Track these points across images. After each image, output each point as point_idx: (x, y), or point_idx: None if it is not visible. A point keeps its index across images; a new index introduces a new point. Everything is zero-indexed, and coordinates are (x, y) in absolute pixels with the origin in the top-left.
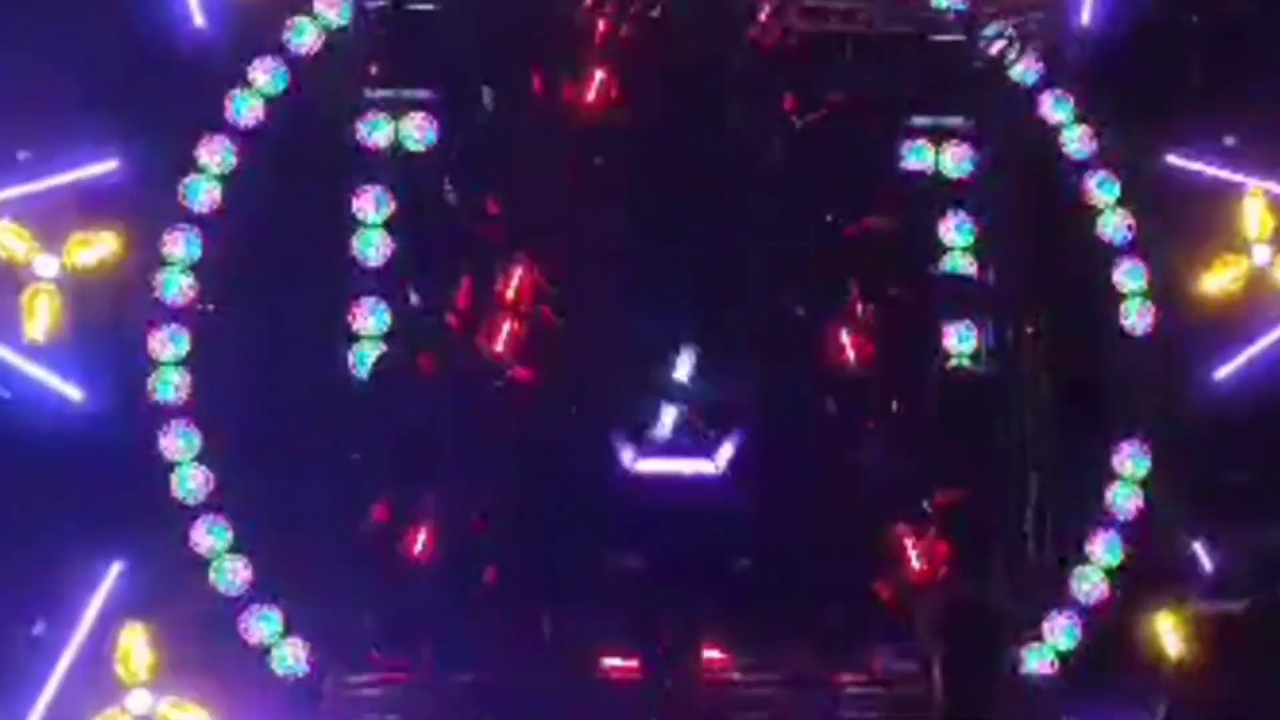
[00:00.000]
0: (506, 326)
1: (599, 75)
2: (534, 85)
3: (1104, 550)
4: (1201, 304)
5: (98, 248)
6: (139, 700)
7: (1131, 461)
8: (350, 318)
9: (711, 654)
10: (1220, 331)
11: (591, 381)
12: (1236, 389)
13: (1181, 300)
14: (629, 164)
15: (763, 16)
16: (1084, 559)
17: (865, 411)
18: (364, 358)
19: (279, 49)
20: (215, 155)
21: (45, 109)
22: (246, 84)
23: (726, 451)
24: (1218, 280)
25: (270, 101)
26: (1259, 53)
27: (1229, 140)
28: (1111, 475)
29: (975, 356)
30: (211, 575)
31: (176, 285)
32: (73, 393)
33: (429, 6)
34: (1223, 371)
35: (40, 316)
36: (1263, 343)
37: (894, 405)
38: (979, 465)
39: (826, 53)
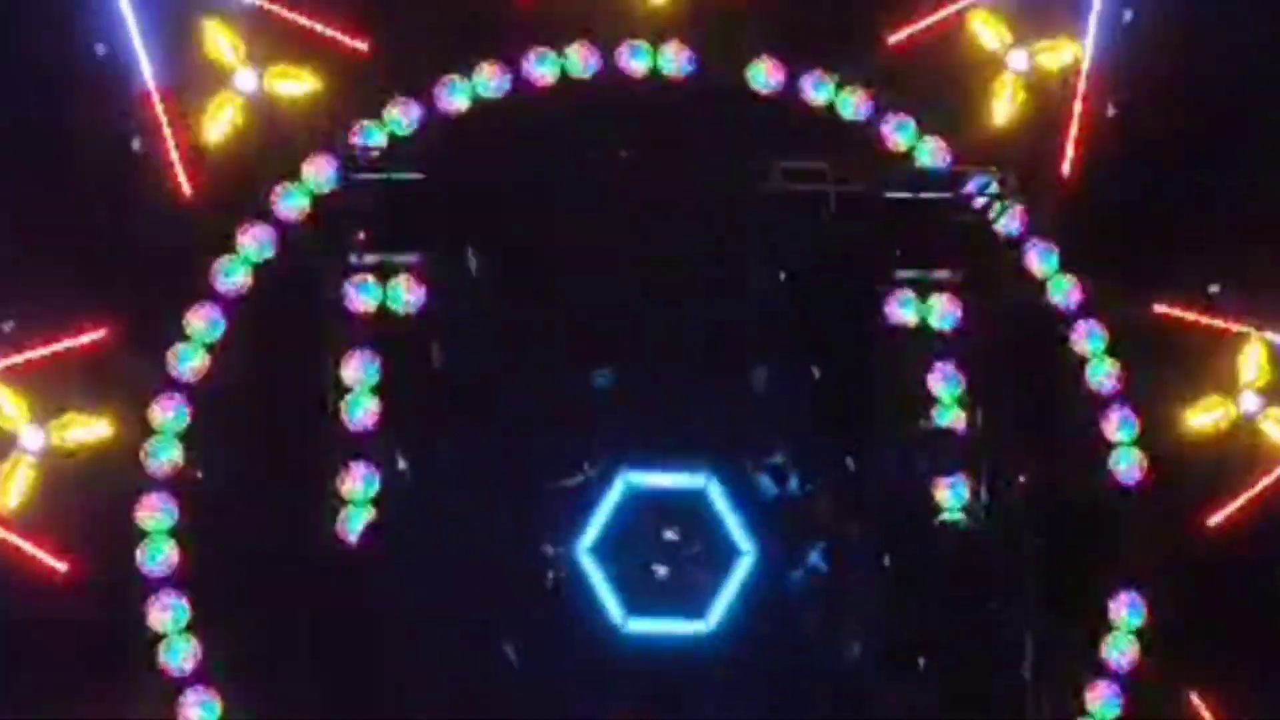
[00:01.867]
0: None
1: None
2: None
3: (1103, 705)
4: (1193, 453)
5: (87, 428)
6: None
7: (1127, 611)
8: (339, 483)
9: None
10: (1212, 480)
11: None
12: (1230, 537)
13: (1173, 449)
14: (615, 323)
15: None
16: (1084, 713)
17: (857, 568)
18: (354, 522)
19: (267, 215)
20: (203, 323)
21: (33, 277)
22: (234, 251)
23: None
24: (1205, 426)
25: (258, 268)
26: (1243, 199)
27: (1214, 288)
28: (1108, 626)
29: (967, 510)
30: None
31: (165, 453)
32: (57, 564)
33: (414, 175)
34: (1215, 519)
35: (15, 487)
36: (1254, 490)
37: (886, 562)
38: (974, 622)
39: (814, 208)
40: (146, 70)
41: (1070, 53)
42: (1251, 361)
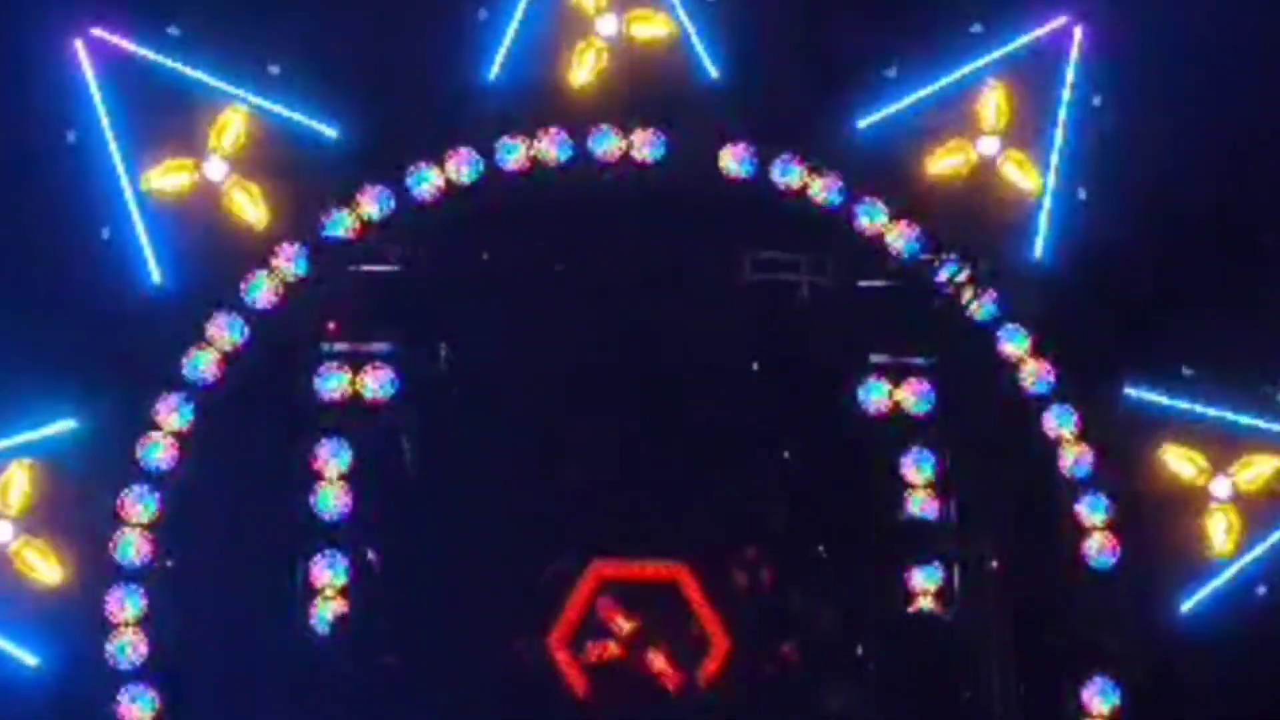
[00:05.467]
0: None
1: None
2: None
3: None
4: (1165, 537)
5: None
6: None
7: (1100, 698)
8: (309, 574)
9: None
10: (1185, 564)
11: None
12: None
13: (1145, 534)
14: (590, 413)
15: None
16: None
17: (829, 658)
18: (324, 615)
19: (237, 304)
20: (172, 413)
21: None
22: (204, 340)
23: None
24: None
25: (228, 357)
26: (1213, 283)
27: (1187, 371)
28: (1080, 712)
29: (940, 596)
30: None
31: (133, 545)
32: (28, 657)
33: (387, 268)
34: (1189, 604)
35: None
36: (1227, 574)
37: (859, 651)
38: (946, 711)
39: (787, 295)
40: (117, 158)
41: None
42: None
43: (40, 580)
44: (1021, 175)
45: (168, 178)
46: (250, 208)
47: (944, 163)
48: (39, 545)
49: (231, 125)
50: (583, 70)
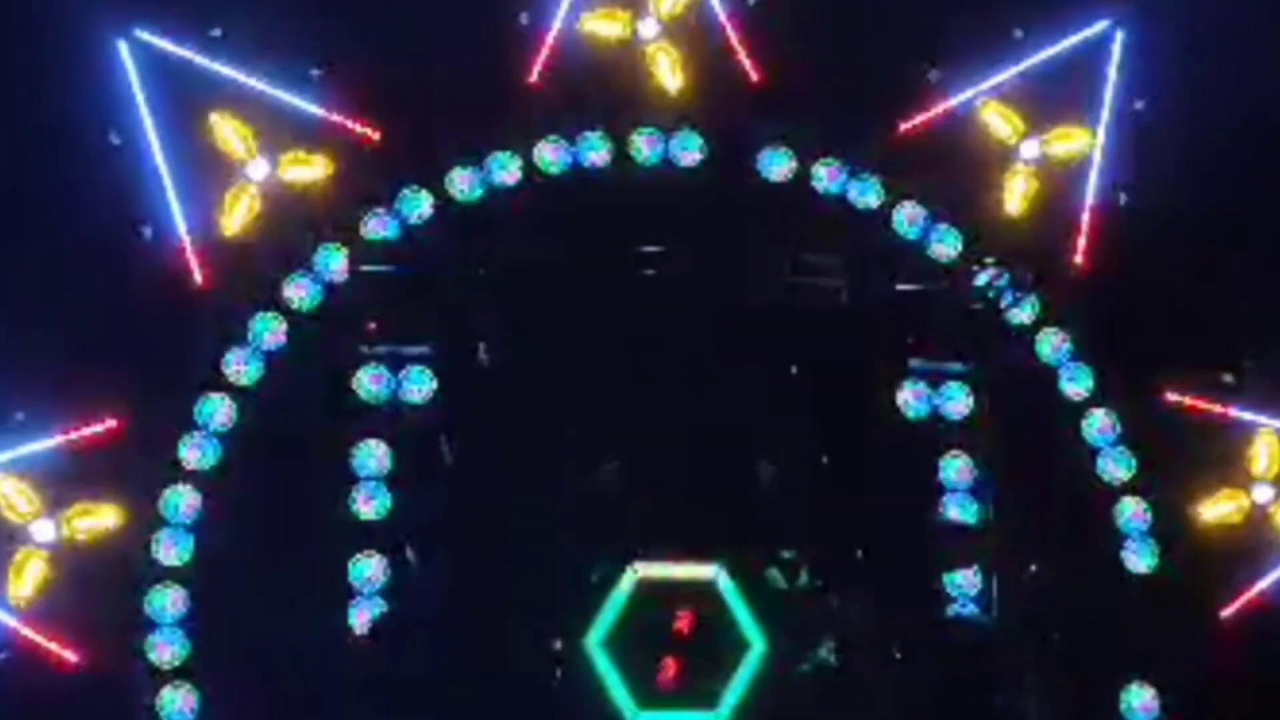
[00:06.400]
0: None
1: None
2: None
3: None
4: (1205, 543)
5: (98, 519)
6: None
7: (1139, 704)
8: (350, 574)
9: None
10: (1224, 571)
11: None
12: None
13: (1185, 540)
14: (628, 413)
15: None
16: None
17: (867, 662)
18: (366, 614)
19: (278, 305)
20: (214, 413)
21: (43, 367)
22: (245, 341)
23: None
24: (1219, 516)
25: (269, 358)
26: (1255, 288)
27: (1227, 377)
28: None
29: (978, 600)
30: None
31: (175, 544)
32: (68, 654)
33: (428, 270)
34: (1228, 611)
35: (28, 580)
36: (1265, 582)
37: (896, 655)
38: (984, 716)
39: (825, 300)
40: (159, 158)
41: (1081, 142)
42: (1262, 454)
43: (80, 577)
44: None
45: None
46: (292, 208)
47: (987, 166)
48: (79, 544)
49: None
50: (621, 75)
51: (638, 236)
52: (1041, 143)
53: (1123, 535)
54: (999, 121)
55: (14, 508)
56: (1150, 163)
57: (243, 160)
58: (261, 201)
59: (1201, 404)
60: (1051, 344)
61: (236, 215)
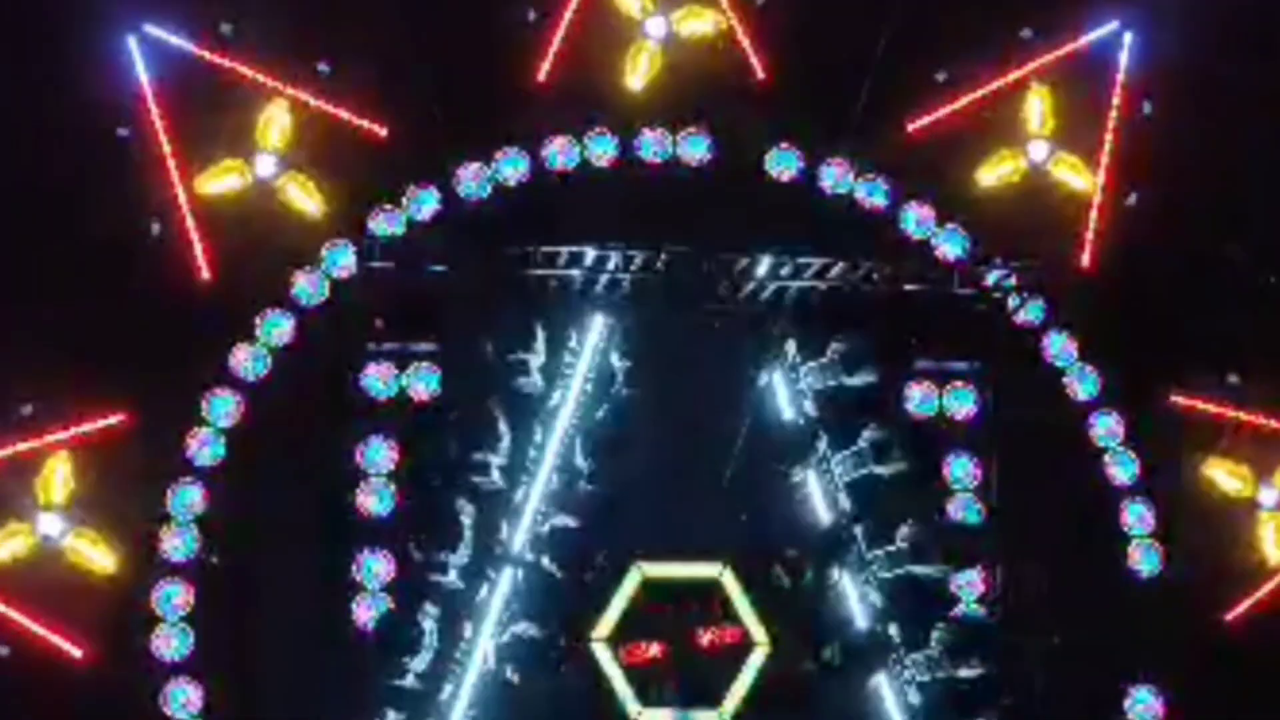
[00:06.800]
0: None
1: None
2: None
3: None
4: (1210, 547)
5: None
6: None
7: (1143, 705)
8: (355, 570)
9: None
10: (1229, 575)
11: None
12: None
13: (1190, 541)
14: (631, 415)
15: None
16: None
17: (871, 661)
18: (371, 609)
19: (285, 301)
20: (221, 408)
21: (51, 361)
22: (253, 337)
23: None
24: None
25: (276, 354)
26: (1262, 290)
27: (1233, 378)
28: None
29: (982, 600)
30: None
31: (180, 540)
32: (72, 649)
33: (435, 267)
34: (1232, 614)
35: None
36: (1271, 584)
37: (900, 652)
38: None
39: (832, 301)
40: (168, 154)
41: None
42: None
43: (87, 573)
44: (1074, 177)
45: (219, 180)
46: (305, 200)
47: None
48: (88, 538)
49: (275, 120)
50: (633, 73)
51: (644, 235)
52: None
53: (1128, 536)
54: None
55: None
56: (1158, 163)
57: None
58: (275, 196)
59: (1207, 405)
60: (1059, 345)
61: (245, 210)
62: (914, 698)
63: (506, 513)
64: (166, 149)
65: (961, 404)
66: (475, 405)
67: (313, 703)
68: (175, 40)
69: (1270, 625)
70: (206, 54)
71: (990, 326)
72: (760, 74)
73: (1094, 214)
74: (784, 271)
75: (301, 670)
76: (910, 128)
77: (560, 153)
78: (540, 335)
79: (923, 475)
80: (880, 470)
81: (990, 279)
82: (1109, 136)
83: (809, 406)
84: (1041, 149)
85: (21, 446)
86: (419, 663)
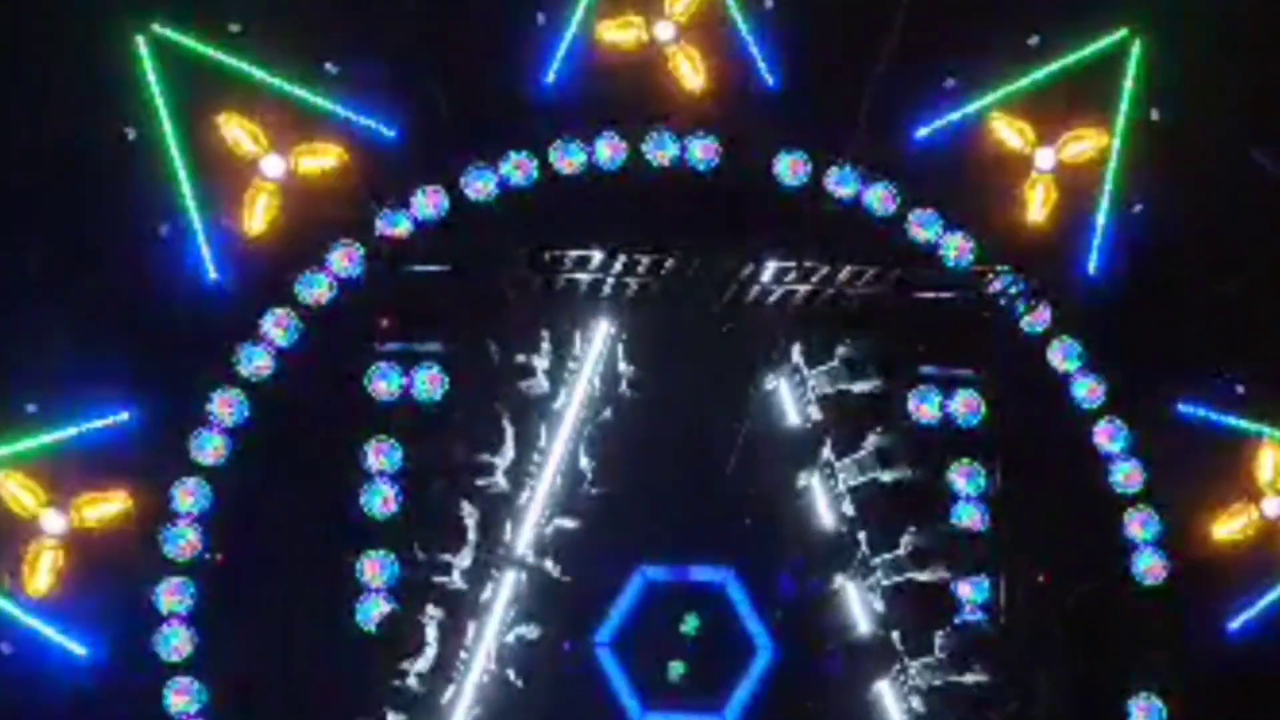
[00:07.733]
0: None
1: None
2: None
3: None
4: (1214, 554)
5: (106, 506)
6: None
7: (1147, 713)
8: (358, 571)
9: None
10: (1233, 582)
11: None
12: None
13: (1194, 550)
14: (637, 418)
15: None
16: None
17: (874, 668)
18: (372, 610)
19: (291, 301)
20: (226, 408)
21: (56, 360)
22: (258, 337)
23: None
24: (1228, 528)
25: (281, 354)
26: (1268, 299)
27: (1240, 388)
28: None
29: (986, 607)
30: None
31: (184, 539)
32: (76, 647)
33: (440, 268)
34: (1237, 622)
35: (43, 572)
36: (1275, 594)
37: (904, 661)
38: None
39: (839, 306)
40: (175, 154)
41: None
42: (1267, 465)
43: (89, 571)
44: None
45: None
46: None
47: (1001, 175)
48: (89, 537)
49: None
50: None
51: (650, 238)
52: (1057, 150)
53: (1133, 544)
54: (1011, 133)
55: (19, 502)
56: (1165, 171)
57: (254, 159)
58: (278, 197)
59: (1212, 413)
60: (1063, 352)
61: (258, 216)
62: (917, 704)
63: (510, 515)
64: (173, 150)
65: (966, 410)
66: (480, 407)
67: (314, 703)
68: (183, 40)
69: (1273, 634)
70: (214, 53)
71: (995, 333)
72: (768, 79)
73: (1100, 221)
74: (790, 276)
75: (303, 671)
76: (919, 134)
77: (567, 155)
78: (546, 338)
79: (927, 481)
80: (885, 476)
81: (996, 286)
82: (1116, 143)
83: (814, 411)
84: (1048, 155)
85: (28, 444)
86: (421, 664)
